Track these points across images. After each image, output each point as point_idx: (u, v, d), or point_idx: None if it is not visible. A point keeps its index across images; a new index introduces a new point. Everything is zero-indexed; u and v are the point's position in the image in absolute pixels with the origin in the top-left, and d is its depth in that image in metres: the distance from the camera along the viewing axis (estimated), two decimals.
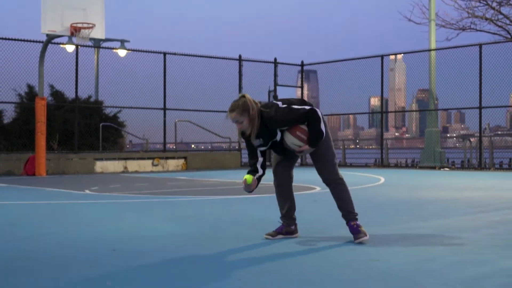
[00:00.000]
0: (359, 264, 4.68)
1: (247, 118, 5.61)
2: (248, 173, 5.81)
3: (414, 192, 11.32)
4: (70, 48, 20.46)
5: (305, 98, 25.52)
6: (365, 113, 24.11)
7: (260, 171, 5.83)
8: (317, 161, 5.81)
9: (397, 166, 22.92)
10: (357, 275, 4.34)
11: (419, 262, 4.70)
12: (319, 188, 11.51)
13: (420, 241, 5.71)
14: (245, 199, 10.09)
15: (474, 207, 8.60)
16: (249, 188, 5.76)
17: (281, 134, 5.69)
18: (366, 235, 5.62)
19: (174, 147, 23.79)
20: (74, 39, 17.33)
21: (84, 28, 16.29)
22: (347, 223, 5.74)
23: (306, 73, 25.97)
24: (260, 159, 5.84)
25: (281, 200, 5.94)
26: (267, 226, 6.33)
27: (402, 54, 24.39)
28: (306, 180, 12.79)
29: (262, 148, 5.80)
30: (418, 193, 10.96)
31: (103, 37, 17.40)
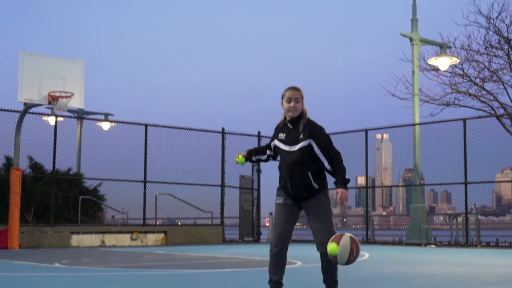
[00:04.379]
0: None
1: (301, 103, 5.98)
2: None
3: (398, 267, 10.83)
4: (53, 120, 20.11)
5: None
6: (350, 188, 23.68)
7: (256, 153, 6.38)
8: (319, 218, 5.89)
9: (386, 243, 22.33)
10: None
11: None
12: (300, 262, 11.02)
13: None
14: (217, 273, 9.61)
15: (462, 282, 8.14)
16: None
17: (301, 149, 5.88)
18: None
19: (155, 222, 23.22)
20: (52, 109, 17.00)
21: (62, 97, 15.98)
22: None
23: None
24: (266, 156, 6.32)
25: (278, 267, 5.94)
26: None
27: (388, 134, 24.22)
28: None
29: (279, 145, 6.03)
30: (402, 268, 10.48)
31: (82, 107, 17.09)
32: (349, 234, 5.58)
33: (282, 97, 6.00)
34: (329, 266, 5.83)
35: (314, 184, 5.82)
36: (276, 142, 6.04)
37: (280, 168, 6.02)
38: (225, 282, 8.31)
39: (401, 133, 22.55)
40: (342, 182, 5.73)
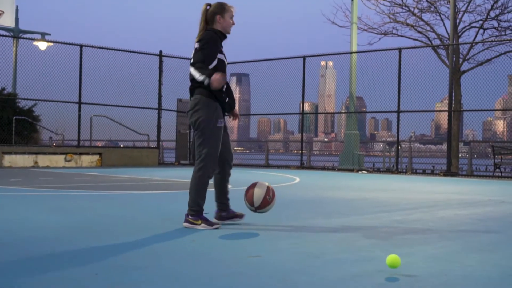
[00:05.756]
0: (237, 260, 4.34)
1: None
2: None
3: (323, 192, 11.07)
4: None
5: (237, 101, 25.05)
6: (286, 113, 23.86)
7: None
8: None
9: (321, 169, 22.74)
10: (231, 270, 3.97)
11: (302, 259, 4.39)
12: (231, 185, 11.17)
13: (312, 238, 5.41)
14: (144, 194, 9.67)
15: (378, 207, 8.39)
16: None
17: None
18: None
19: (91, 143, 23.07)
20: None
21: None
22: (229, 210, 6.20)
23: (238, 76, 25.47)
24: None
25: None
26: (153, 222, 5.94)
27: (333, 62, 24.27)
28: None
29: (223, 58, 5.78)
30: (326, 193, 10.71)
31: (13, 25, 16.73)
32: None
33: (223, 11, 5.71)
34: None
35: None
36: (222, 56, 5.73)
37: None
38: (146, 203, 8.38)
39: (345, 61, 22.63)
40: None
